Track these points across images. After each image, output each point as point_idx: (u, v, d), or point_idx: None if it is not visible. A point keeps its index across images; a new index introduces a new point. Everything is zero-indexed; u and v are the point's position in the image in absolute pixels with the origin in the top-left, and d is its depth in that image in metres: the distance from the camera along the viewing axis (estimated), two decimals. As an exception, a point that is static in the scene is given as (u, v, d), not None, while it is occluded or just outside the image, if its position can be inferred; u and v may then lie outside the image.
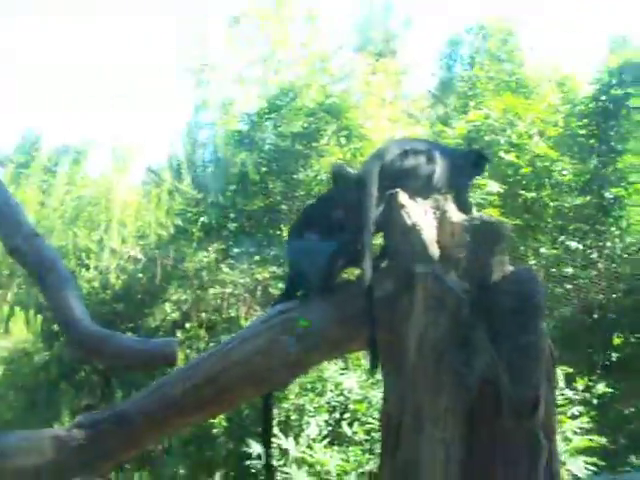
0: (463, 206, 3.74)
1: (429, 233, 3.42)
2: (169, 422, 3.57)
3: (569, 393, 7.86)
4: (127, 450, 3.69)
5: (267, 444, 4.03)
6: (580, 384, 8.03)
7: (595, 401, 8.68)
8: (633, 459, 9.42)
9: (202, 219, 10.59)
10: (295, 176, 9.60)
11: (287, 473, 7.65)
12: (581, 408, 7.88)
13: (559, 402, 7.65)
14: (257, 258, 9.89)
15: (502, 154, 9.61)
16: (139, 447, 3.78)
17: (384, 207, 3.50)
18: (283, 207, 10.47)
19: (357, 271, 3.53)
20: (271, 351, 3.45)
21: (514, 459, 3.22)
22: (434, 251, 3.38)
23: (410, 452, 3.32)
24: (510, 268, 3.50)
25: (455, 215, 3.53)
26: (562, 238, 10.61)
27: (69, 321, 3.71)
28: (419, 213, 3.48)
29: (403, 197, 3.48)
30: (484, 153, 4.20)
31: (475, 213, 3.72)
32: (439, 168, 3.70)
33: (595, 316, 10.43)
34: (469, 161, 3.95)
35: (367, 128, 10.61)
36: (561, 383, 7.84)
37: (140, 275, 11.32)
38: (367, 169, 3.56)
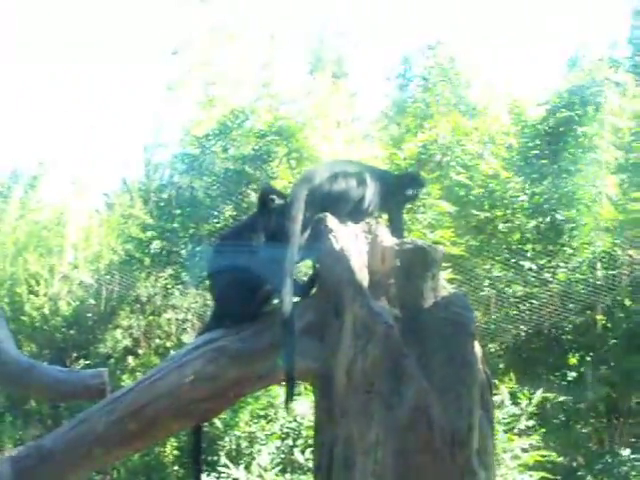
0: (396, 230, 3.67)
1: (358, 258, 3.33)
2: (92, 457, 3.43)
3: (516, 410, 7.79)
4: (51, 486, 3.55)
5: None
6: (525, 399, 7.95)
7: (553, 420, 8.65)
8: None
9: (153, 244, 10.43)
10: (246, 199, 9.50)
11: (238, 503, 7.49)
12: (531, 425, 7.81)
13: (508, 420, 7.60)
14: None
15: (453, 175, 9.60)
16: (64, 483, 3.62)
17: (312, 232, 3.40)
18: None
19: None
20: (197, 382, 3.33)
21: (448, 489, 3.14)
22: (363, 277, 3.29)
23: (342, 485, 3.22)
24: (444, 293, 3.43)
25: (387, 239, 3.44)
26: (515, 259, 10.60)
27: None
28: (348, 237, 3.39)
29: (331, 221, 3.40)
30: (418, 176, 4.15)
31: (407, 237, 3.65)
32: (370, 191, 3.62)
33: (550, 336, 10.43)
34: (403, 184, 3.89)
35: (321, 150, 10.53)
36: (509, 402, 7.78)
37: (91, 301, 11.12)
38: (294, 193, 3.46)
